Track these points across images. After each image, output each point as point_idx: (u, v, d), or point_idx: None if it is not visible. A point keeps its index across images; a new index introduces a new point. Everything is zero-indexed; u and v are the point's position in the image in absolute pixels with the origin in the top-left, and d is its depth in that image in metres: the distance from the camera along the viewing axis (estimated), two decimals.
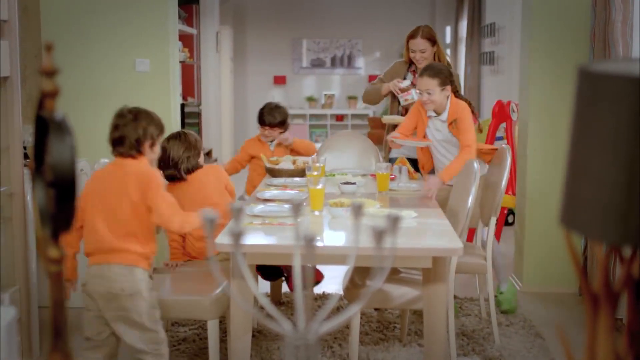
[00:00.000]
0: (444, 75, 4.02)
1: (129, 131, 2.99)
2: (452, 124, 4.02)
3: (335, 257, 2.86)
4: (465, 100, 4.14)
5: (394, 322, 4.21)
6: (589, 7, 4.64)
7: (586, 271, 4.62)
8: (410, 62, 4.77)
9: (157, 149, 3.10)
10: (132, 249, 2.93)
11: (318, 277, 4.40)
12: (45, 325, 3.76)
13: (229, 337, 3.36)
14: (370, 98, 4.87)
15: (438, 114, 4.08)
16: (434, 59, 4.64)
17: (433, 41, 4.62)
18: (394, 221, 1.27)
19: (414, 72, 4.69)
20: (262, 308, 3.50)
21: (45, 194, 1.20)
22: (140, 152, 3.00)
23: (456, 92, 4.13)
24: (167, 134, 4.95)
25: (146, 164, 3.02)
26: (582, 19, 4.73)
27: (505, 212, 6.44)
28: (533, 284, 4.98)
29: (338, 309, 4.47)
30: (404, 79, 4.72)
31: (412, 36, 4.64)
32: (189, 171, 3.71)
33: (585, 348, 1.25)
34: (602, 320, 1.20)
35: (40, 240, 1.23)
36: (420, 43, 4.60)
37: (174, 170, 3.69)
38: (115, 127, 3.04)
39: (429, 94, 4.01)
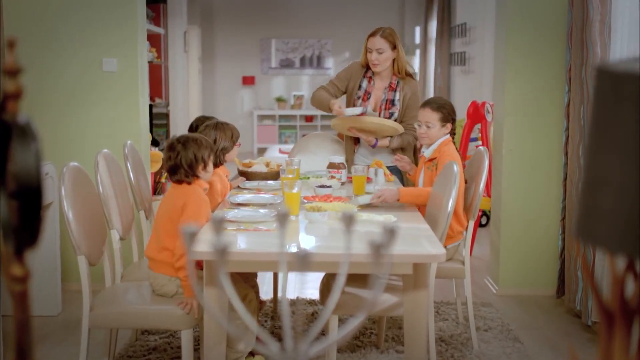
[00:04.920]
0: (447, 111, 3.90)
1: (181, 159, 3.24)
2: (431, 162, 3.88)
3: (314, 263, 2.76)
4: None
5: (370, 328, 4.12)
6: (565, 7, 4.60)
7: (563, 275, 4.57)
8: (367, 67, 4.48)
9: (210, 169, 3.33)
10: None
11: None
12: (8, 334, 3.61)
13: (201, 347, 3.25)
14: (319, 107, 4.52)
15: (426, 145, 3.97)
16: (392, 65, 4.41)
17: (393, 44, 4.35)
18: (391, 233, 1.17)
19: (370, 78, 4.46)
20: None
21: (8, 205, 1.08)
22: (195, 175, 3.26)
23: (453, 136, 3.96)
24: (134, 136, 4.84)
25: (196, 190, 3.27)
26: (559, 18, 4.69)
27: (480, 213, 6.40)
28: (509, 286, 4.92)
29: (313, 314, 4.37)
30: (358, 98, 4.45)
31: (372, 34, 4.37)
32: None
33: None
34: (618, 339, 1.12)
35: (2, 257, 1.11)
36: (378, 42, 4.32)
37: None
38: (167, 158, 3.28)
39: (428, 127, 3.89)
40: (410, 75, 4.45)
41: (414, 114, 4.32)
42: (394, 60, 4.39)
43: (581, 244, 1.05)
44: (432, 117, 3.88)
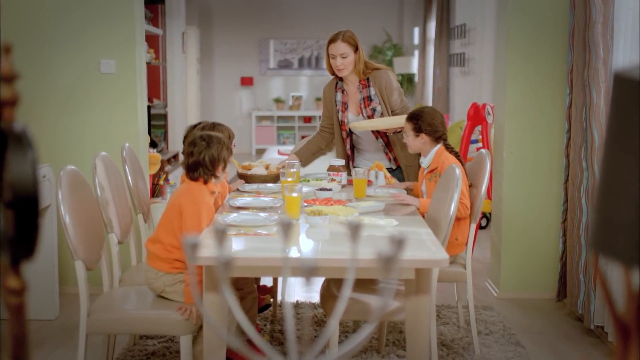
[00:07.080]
0: (417, 121, 3.88)
1: (205, 157, 3.18)
2: (432, 173, 3.85)
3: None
4: (455, 154, 3.92)
5: (371, 333, 4.08)
6: (567, 8, 4.56)
7: (565, 278, 4.54)
8: (337, 80, 4.42)
9: (227, 170, 3.32)
10: None
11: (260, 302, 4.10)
12: (4, 338, 3.57)
13: (202, 352, 3.21)
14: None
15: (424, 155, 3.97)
16: (355, 66, 4.29)
17: (355, 46, 4.27)
18: (400, 244, 1.14)
19: (343, 91, 4.39)
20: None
21: (4, 215, 1.05)
22: (214, 175, 3.21)
23: (447, 147, 3.93)
24: (132, 138, 4.80)
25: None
26: (560, 19, 4.65)
27: (480, 215, 6.36)
28: (510, 289, 4.89)
29: (313, 318, 4.33)
30: (337, 112, 4.42)
31: (332, 40, 4.29)
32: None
33: None
34: (634, 355, 1.08)
35: None
36: (340, 47, 4.24)
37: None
38: (189, 154, 3.21)
39: (406, 136, 3.95)
40: (377, 68, 4.38)
41: (398, 99, 4.35)
42: (355, 61, 4.31)
43: (597, 256, 1.02)
44: (406, 126, 3.94)
